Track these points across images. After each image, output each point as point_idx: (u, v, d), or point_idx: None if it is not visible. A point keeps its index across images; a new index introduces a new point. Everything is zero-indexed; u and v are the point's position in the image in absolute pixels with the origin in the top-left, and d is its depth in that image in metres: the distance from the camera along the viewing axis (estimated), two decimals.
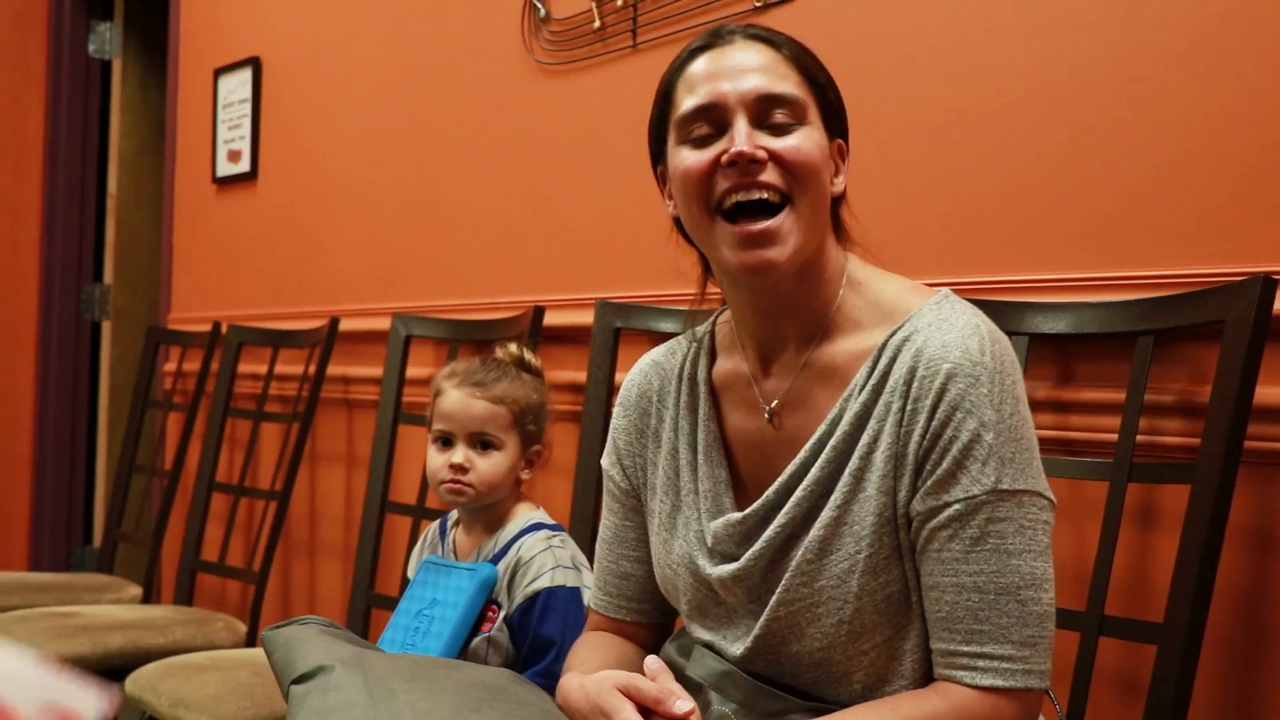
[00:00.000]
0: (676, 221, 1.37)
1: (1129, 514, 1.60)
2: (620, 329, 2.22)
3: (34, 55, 4.65)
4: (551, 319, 2.41)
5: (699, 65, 1.30)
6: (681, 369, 1.45)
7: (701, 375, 1.42)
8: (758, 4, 2.11)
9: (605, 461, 1.52)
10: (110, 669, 2.48)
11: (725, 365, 1.41)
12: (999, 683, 1.18)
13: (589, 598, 1.58)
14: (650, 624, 1.52)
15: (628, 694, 1.24)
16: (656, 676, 1.27)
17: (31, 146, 4.64)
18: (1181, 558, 1.44)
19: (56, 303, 4.62)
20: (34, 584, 3.11)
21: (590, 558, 2.10)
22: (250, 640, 2.78)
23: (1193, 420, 1.55)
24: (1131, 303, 1.59)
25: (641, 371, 1.50)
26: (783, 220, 1.24)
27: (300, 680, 1.27)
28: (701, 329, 1.47)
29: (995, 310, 1.57)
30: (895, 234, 1.88)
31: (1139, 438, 1.55)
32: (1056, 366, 1.69)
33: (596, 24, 2.41)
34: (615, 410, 1.52)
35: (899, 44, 1.92)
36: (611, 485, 1.51)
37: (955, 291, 1.33)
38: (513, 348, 1.97)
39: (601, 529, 1.54)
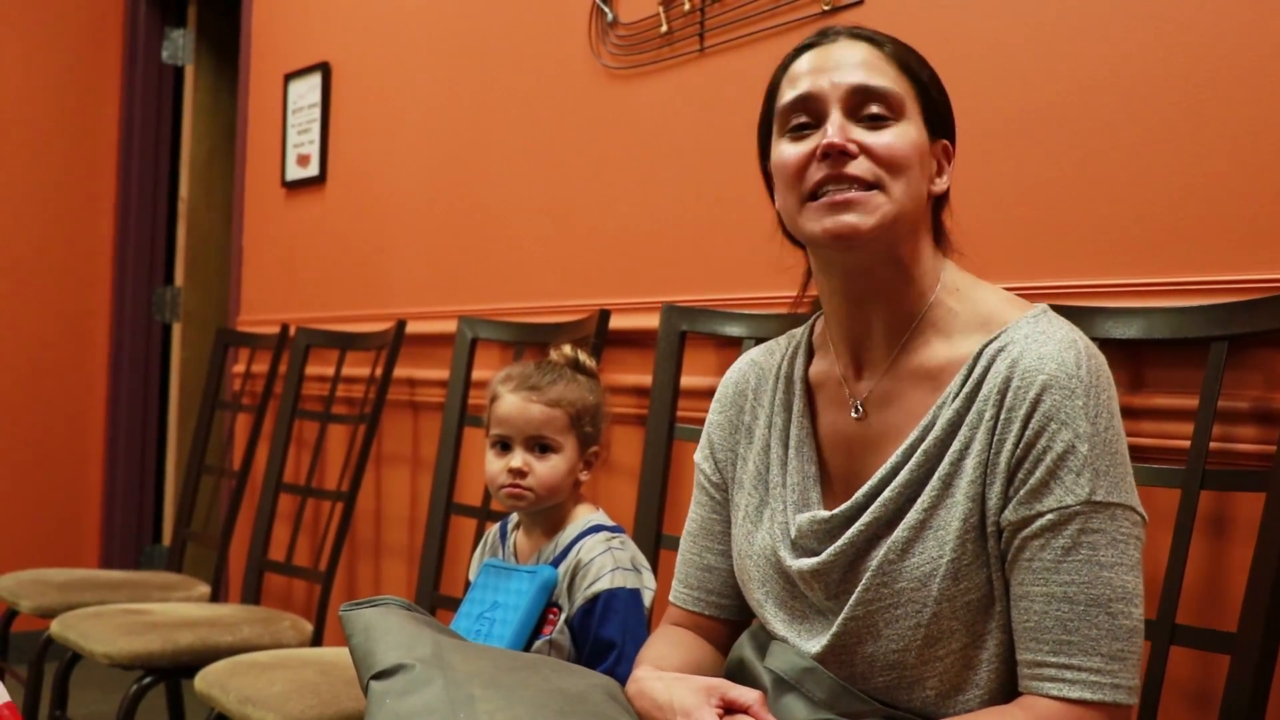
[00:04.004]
0: (780, 217, 1.40)
1: (1201, 522, 1.57)
2: (686, 332, 2.22)
3: (109, 62, 4.74)
4: (617, 322, 2.42)
5: (802, 61, 1.34)
6: (779, 367, 1.47)
7: (798, 373, 1.44)
8: (826, 7, 2.10)
9: (698, 455, 1.54)
10: (180, 665, 2.51)
11: (821, 365, 1.43)
12: (1086, 695, 1.17)
13: (671, 592, 1.58)
14: (730, 620, 1.52)
15: (713, 692, 1.27)
16: (750, 707, 1.27)
17: (105, 151, 4.73)
18: (1256, 566, 1.41)
19: (128, 305, 4.70)
20: (105, 581, 3.16)
21: (652, 559, 2.11)
22: (316, 639, 2.80)
23: (1267, 427, 1.52)
24: (1205, 308, 1.56)
25: (739, 369, 1.53)
26: (869, 194, 1.26)
27: (380, 676, 1.27)
28: (800, 329, 1.49)
29: (1065, 315, 1.55)
30: (965, 238, 1.86)
31: (1212, 444, 1.53)
32: (1128, 372, 1.66)
33: (663, 28, 2.42)
34: (712, 406, 1.54)
35: (966, 46, 1.90)
36: (702, 478, 1.53)
37: (1023, 295, 1.32)
38: (567, 349, 1.97)
39: (688, 522, 1.56)
